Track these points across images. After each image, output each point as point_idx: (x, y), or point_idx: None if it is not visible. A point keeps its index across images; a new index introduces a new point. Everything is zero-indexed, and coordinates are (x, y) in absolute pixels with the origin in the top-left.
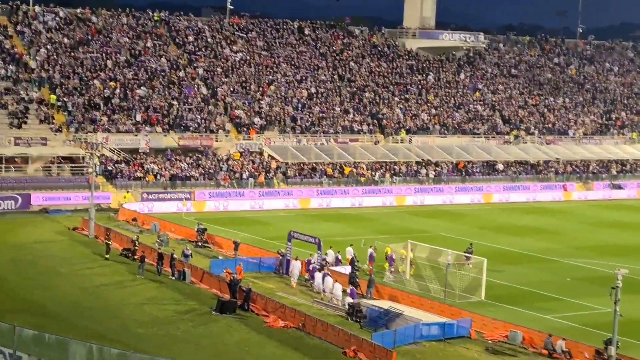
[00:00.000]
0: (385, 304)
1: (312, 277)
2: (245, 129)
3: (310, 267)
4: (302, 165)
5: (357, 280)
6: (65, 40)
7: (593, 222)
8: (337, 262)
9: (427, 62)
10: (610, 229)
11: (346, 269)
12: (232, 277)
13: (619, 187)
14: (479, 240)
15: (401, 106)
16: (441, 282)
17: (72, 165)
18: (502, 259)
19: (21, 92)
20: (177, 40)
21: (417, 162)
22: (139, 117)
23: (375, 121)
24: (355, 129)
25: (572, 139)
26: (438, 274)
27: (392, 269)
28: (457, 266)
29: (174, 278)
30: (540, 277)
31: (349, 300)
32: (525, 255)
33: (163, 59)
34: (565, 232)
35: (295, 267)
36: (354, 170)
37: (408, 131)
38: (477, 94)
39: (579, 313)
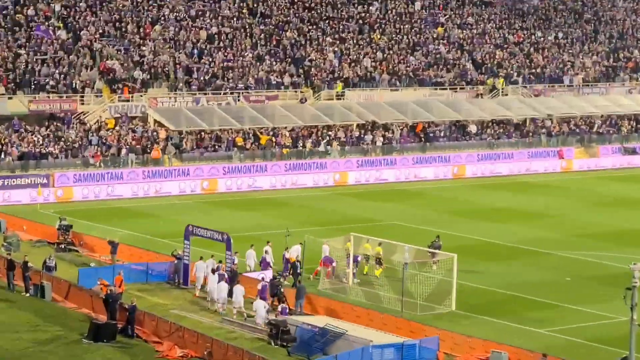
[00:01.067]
0: (320, 321)
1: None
2: (121, 87)
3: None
4: (201, 134)
5: (282, 288)
6: None
7: (599, 200)
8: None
9: None
10: (623, 209)
11: (266, 274)
12: (109, 291)
13: (634, 152)
14: (446, 229)
15: (335, 49)
16: (396, 289)
17: None
18: (478, 255)
19: None
20: None
21: (360, 126)
22: None
23: (301, 71)
24: (274, 83)
25: (569, 89)
26: (393, 277)
27: (354, 271)
28: (418, 266)
29: (28, 294)
30: (530, 277)
31: (263, 314)
32: (510, 248)
33: None
34: (562, 215)
35: (200, 270)
36: (274, 139)
37: (346, 83)
38: (439, 29)
39: (583, 324)
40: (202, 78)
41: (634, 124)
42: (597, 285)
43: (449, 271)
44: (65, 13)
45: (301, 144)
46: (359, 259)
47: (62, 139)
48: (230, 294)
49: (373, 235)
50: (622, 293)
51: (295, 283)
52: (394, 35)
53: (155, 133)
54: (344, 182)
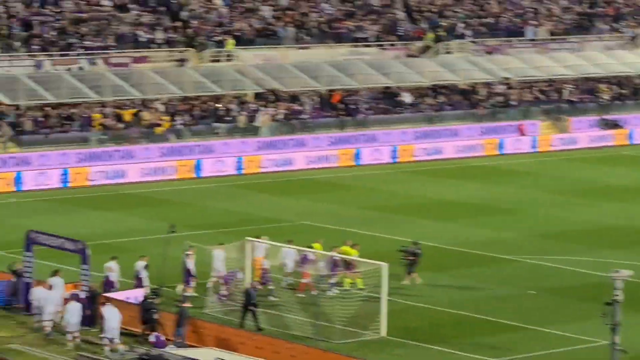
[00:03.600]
0: (208, 355)
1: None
2: None
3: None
4: (47, 110)
5: (156, 311)
6: None
7: (572, 189)
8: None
9: None
10: (602, 201)
11: (137, 295)
12: None
13: (615, 126)
14: (374, 231)
15: None
16: (309, 310)
17: None
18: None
19: None
20: None
21: (258, 96)
22: None
23: (178, 24)
24: (143, 40)
25: (532, 44)
26: (303, 295)
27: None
28: (340, 279)
29: None
30: (483, 292)
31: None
32: (457, 253)
33: None
34: (523, 210)
35: (45, 293)
36: (144, 114)
37: (239, 40)
38: None
39: (551, 351)
40: (45, 34)
41: (616, 88)
42: (569, 299)
43: (377, 286)
44: None
45: (180, 122)
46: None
47: None
48: (90, 320)
49: (277, 240)
50: (601, 309)
51: (254, 313)
52: None
53: None
54: (233, 170)
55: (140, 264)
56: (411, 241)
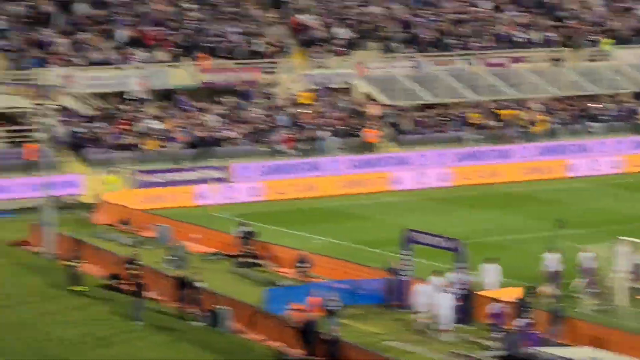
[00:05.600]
0: (583, 353)
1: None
2: (320, 46)
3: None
4: (425, 109)
5: (530, 307)
6: None
7: None
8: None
9: None
10: None
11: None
12: (307, 319)
13: None
14: None
15: None
16: None
17: (10, 128)
18: None
19: None
20: None
21: (636, 95)
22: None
23: (556, 23)
24: (519, 39)
25: None
26: None
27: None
28: None
29: (200, 323)
30: None
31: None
32: None
33: None
34: None
35: (422, 291)
36: (521, 112)
37: (616, 39)
38: None
39: None
40: (424, 35)
41: None
42: None
43: None
44: None
45: (557, 121)
46: None
47: (242, 120)
48: (465, 318)
49: None
50: None
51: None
52: None
53: (363, 109)
54: (612, 170)
55: (549, 256)
56: None
